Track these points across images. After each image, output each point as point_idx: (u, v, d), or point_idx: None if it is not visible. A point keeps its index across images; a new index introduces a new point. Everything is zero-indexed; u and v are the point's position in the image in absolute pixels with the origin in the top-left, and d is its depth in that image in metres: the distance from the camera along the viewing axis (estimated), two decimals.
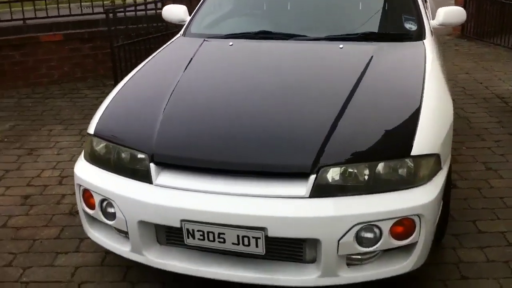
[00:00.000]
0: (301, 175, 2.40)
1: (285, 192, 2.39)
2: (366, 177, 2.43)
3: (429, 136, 2.57)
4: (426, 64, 3.13)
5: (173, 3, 4.26)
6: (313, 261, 2.47)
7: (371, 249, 2.44)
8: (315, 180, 2.38)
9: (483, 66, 6.64)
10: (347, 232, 2.36)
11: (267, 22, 3.77)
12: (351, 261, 2.50)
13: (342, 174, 2.42)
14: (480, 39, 7.99)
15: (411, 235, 2.47)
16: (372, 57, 3.16)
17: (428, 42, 3.46)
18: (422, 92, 2.81)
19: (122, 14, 5.78)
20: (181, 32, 3.88)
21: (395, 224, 2.44)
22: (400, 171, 2.46)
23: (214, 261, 2.54)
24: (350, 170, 2.43)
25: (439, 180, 2.57)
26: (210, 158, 2.49)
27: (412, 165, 2.47)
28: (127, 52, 5.65)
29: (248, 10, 4.02)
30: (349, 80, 2.90)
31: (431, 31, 3.62)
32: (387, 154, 2.46)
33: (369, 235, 2.43)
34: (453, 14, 3.67)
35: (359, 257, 2.51)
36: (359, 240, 2.41)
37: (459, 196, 3.65)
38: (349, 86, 2.84)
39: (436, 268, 2.92)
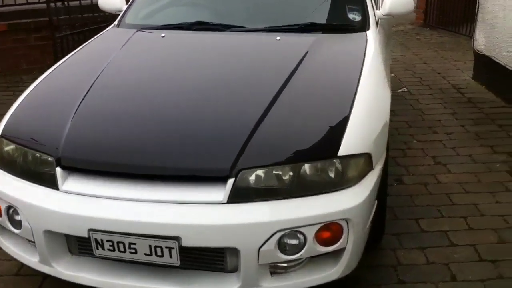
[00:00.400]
0: (219, 179, 2.22)
1: (202, 198, 2.22)
2: (290, 180, 2.27)
3: (360, 134, 2.41)
4: (366, 58, 2.97)
5: None
6: (235, 270, 2.31)
7: (295, 256, 2.29)
8: (233, 184, 2.21)
9: (442, 56, 6.53)
10: (267, 240, 2.20)
11: (205, 12, 3.58)
12: (274, 270, 2.35)
13: (264, 177, 2.25)
14: (443, 28, 7.89)
15: (338, 240, 2.33)
16: (308, 50, 2.99)
17: (372, 34, 3.30)
18: (357, 88, 2.65)
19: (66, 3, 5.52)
20: (115, 22, 3.67)
21: (320, 230, 2.29)
22: (326, 172, 2.30)
23: (129, 273, 2.36)
24: (272, 172, 2.26)
25: (370, 181, 2.43)
26: (121, 162, 2.30)
27: (340, 166, 2.31)
28: (71, 42, 5.40)
29: (187, 0, 3.82)
30: (280, 75, 2.73)
31: (376, 22, 3.47)
32: (312, 155, 2.29)
33: (293, 242, 2.28)
34: (399, 3, 3.52)
35: (284, 265, 2.36)
36: (282, 247, 2.25)
37: (404, 192, 3.53)
38: (279, 81, 2.67)
39: (372, 272, 2.79)
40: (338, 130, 2.37)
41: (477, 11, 5.42)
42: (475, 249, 2.94)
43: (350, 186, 2.34)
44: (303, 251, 2.28)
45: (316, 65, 2.87)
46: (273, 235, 2.20)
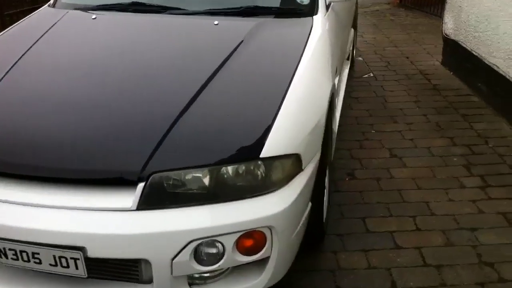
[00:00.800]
0: (128, 183, 2.02)
1: (109, 204, 2.02)
2: (208, 184, 2.08)
3: (287, 134, 2.22)
4: (307, 47, 2.77)
5: None
6: (150, 281, 2.13)
7: (213, 267, 2.11)
8: (143, 189, 2.01)
9: (414, 39, 6.33)
10: (181, 250, 2.02)
11: None
12: (193, 281, 2.17)
13: (178, 181, 2.06)
14: (418, 9, 7.67)
15: (262, 249, 2.16)
16: (244, 37, 2.79)
17: (319, 19, 3.09)
18: (290, 82, 2.44)
19: None
20: (50, 1, 3.42)
21: (241, 238, 2.11)
22: (248, 176, 2.11)
23: (38, 282, 2.18)
24: (188, 176, 2.07)
25: (299, 183, 2.25)
26: (21, 162, 2.09)
27: (263, 168, 2.13)
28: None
29: None
30: (210, 65, 2.52)
31: (326, 6, 3.25)
32: (233, 157, 2.09)
33: (211, 251, 2.11)
34: None
35: (205, 275, 2.19)
36: (198, 257, 2.08)
37: (354, 188, 3.36)
38: (207, 72, 2.47)
39: (308, 277, 2.63)
40: (262, 129, 2.17)
41: None
42: (420, 252, 2.79)
43: (275, 190, 2.16)
44: (222, 261, 2.11)
45: (250, 55, 2.66)
46: (187, 245, 2.02)
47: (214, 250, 2.10)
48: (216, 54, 2.64)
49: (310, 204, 2.45)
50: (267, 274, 2.21)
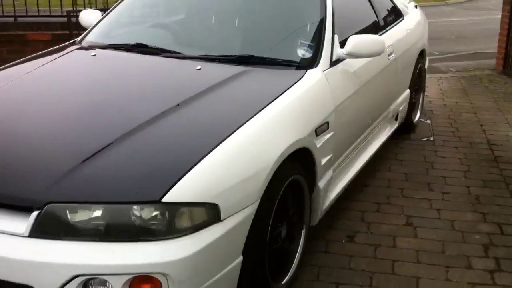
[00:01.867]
0: (25, 210, 2.06)
1: (5, 227, 2.07)
2: (102, 222, 2.05)
3: (204, 182, 2.15)
4: (278, 99, 2.67)
5: None
6: None
7: None
8: (37, 217, 2.04)
9: (500, 108, 5.81)
10: (66, 283, 2.00)
11: (156, 35, 3.45)
12: None
13: (72, 214, 2.06)
14: None
15: None
16: (217, 82, 2.77)
17: (314, 73, 2.97)
18: (237, 129, 2.37)
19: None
20: (78, 38, 3.65)
21: (134, 282, 2.04)
22: (146, 218, 2.05)
23: None
24: (83, 211, 2.06)
25: (211, 234, 2.13)
26: None
27: (165, 213, 2.05)
28: None
29: (147, 21, 3.71)
30: (159, 108, 2.54)
31: (332, 62, 3.10)
32: (133, 197, 2.05)
33: None
34: (364, 43, 3.12)
35: None
36: None
37: (346, 252, 3.12)
38: (151, 115, 2.48)
39: None
40: (175, 174, 2.11)
41: None
42: None
43: (178, 237, 2.06)
44: None
45: (209, 101, 2.65)
46: (72, 279, 2.00)
47: None
48: (175, 97, 2.65)
49: (241, 258, 2.30)
50: None
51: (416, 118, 5.12)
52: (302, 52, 3.08)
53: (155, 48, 3.23)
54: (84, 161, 2.16)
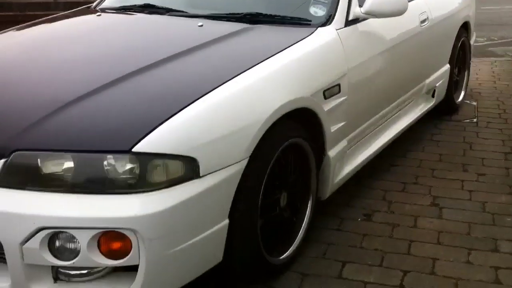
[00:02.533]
0: None
1: None
2: (71, 172, 1.92)
3: (181, 133, 1.99)
4: (283, 52, 2.49)
5: None
6: None
7: (68, 263, 1.94)
8: (4, 165, 1.94)
9: None
10: (31, 236, 1.89)
11: None
12: (58, 275, 2.00)
13: (40, 163, 1.93)
14: None
15: (128, 254, 1.91)
16: (219, 37, 2.62)
17: (327, 30, 2.75)
18: (226, 82, 2.21)
19: None
20: (94, 4, 3.57)
21: (103, 238, 1.91)
22: (116, 169, 1.92)
23: None
24: (51, 159, 1.94)
25: (188, 191, 1.97)
26: None
27: (136, 164, 1.91)
28: None
29: None
30: (150, 60, 2.40)
31: (346, 20, 2.87)
32: (103, 146, 1.92)
33: (68, 245, 1.94)
34: (386, 1, 2.87)
35: (71, 272, 1.99)
36: (54, 250, 1.92)
37: (360, 230, 2.90)
38: (140, 65, 2.34)
39: None
40: (150, 123, 1.96)
41: None
42: None
43: (149, 191, 1.91)
44: (77, 258, 1.92)
45: (206, 54, 2.49)
46: (38, 232, 1.89)
47: (70, 245, 1.93)
48: (168, 51, 2.49)
49: (226, 221, 2.13)
50: (137, 284, 1.96)
51: (460, 99, 4.77)
52: (315, 10, 2.87)
53: (162, 8, 3.11)
54: (57, 110, 2.05)
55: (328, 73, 2.63)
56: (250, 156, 2.15)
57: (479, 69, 6.21)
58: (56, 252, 1.93)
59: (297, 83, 2.43)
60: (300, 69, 2.50)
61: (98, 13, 3.17)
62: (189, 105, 2.04)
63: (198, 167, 1.98)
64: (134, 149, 1.89)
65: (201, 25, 2.78)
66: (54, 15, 3.42)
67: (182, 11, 3.06)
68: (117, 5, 3.35)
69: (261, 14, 2.89)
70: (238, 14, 2.91)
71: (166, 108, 2.03)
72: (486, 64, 6.51)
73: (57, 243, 1.92)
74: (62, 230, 1.89)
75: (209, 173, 2.01)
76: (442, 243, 2.77)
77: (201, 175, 1.99)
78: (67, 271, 1.98)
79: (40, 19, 3.35)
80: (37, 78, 2.38)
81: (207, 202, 2.03)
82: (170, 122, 1.97)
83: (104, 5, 3.44)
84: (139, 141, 1.90)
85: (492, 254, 2.67)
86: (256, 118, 2.17)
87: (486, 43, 8.67)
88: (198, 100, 2.08)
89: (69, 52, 2.62)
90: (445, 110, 4.56)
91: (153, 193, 1.91)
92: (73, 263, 1.92)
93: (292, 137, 2.41)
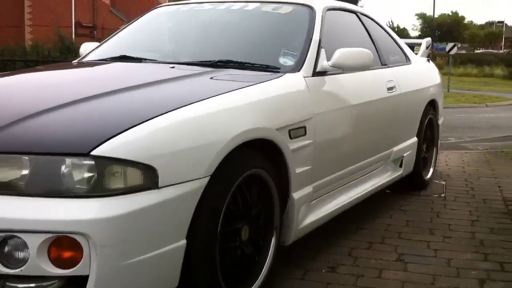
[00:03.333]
0: None
1: None
2: (26, 173, 1.91)
3: (143, 141, 2.02)
4: (250, 87, 2.63)
5: None
6: None
7: (15, 271, 1.87)
8: None
9: None
10: None
11: (137, 49, 3.50)
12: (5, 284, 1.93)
13: None
14: None
15: (78, 263, 1.86)
16: (190, 74, 2.78)
17: (295, 76, 2.88)
18: (192, 103, 2.28)
19: None
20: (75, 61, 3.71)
21: (54, 245, 1.87)
22: (73, 172, 1.91)
23: None
24: (7, 162, 1.96)
25: (145, 200, 1.97)
26: None
27: (93, 168, 1.91)
28: None
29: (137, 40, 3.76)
30: (123, 85, 2.53)
31: (314, 71, 3.00)
32: (60, 149, 1.94)
33: (16, 251, 1.88)
34: (351, 55, 3.03)
35: (19, 286, 1.92)
36: (2, 255, 1.89)
37: (323, 279, 2.81)
38: (112, 88, 2.47)
39: None
40: (113, 129, 1.99)
41: None
42: None
43: (106, 196, 1.90)
44: (25, 265, 1.86)
45: (176, 84, 2.66)
46: None
47: (18, 251, 1.89)
48: (140, 80, 2.60)
49: (184, 241, 2.09)
50: None
51: (428, 176, 4.86)
52: (284, 60, 3.03)
53: (137, 58, 3.24)
54: (20, 119, 2.08)
55: (294, 113, 2.72)
56: (211, 176, 2.16)
57: (449, 158, 6.36)
58: (3, 259, 1.87)
59: (262, 114, 2.50)
60: (266, 103, 2.58)
61: (75, 62, 3.30)
62: (153, 118, 2.09)
63: (157, 177, 1.99)
64: (93, 153, 1.90)
65: (173, 67, 2.90)
66: (39, 66, 3.57)
67: (156, 60, 3.19)
68: (95, 58, 3.47)
69: (231, 61, 3.02)
70: (209, 61, 3.03)
71: (129, 119, 2.07)
72: (456, 155, 6.67)
73: (6, 249, 1.88)
74: (11, 234, 1.85)
75: (168, 185, 2.02)
76: None
77: (160, 186, 2.00)
78: (14, 284, 1.91)
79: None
80: (8, 98, 2.46)
81: (164, 215, 2.01)
82: (132, 131, 2.00)
83: (83, 60, 3.57)
84: (99, 145, 1.91)
85: None
86: (219, 138, 2.21)
87: (458, 140, 8.96)
88: (163, 115, 2.13)
89: (44, 85, 2.74)
90: (414, 185, 4.63)
91: (109, 198, 1.90)
92: (21, 270, 1.86)
93: (256, 167, 2.43)
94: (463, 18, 79.73)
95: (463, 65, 39.74)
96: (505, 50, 52.18)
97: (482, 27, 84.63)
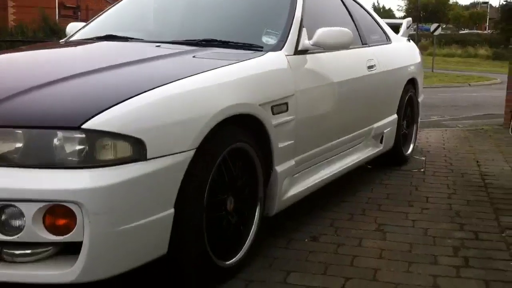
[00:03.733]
0: None
1: None
2: (21, 147, 2.01)
3: (132, 115, 2.11)
4: (233, 64, 2.71)
5: None
6: None
7: (12, 238, 1.98)
8: None
9: (501, 151, 5.64)
10: None
11: (123, 28, 3.58)
12: (4, 255, 2.03)
13: None
14: None
15: (71, 230, 1.96)
16: (175, 52, 2.88)
17: (276, 54, 2.97)
18: (178, 80, 2.37)
19: None
20: (63, 40, 3.77)
21: (49, 213, 1.98)
22: (65, 145, 2.01)
23: None
24: (1, 135, 2.03)
25: (134, 171, 2.07)
26: None
27: (84, 140, 2.01)
28: None
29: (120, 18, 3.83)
30: (111, 62, 2.63)
31: (296, 49, 3.10)
32: (52, 122, 2.03)
33: (13, 220, 1.98)
34: (332, 34, 3.13)
35: (16, 251, 2.02)
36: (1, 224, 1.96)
37: (306, 248, 2.95)
38: (101, 65, 2.55)
39: None
40: (102, 104, 2.08)
41: None
42: None
43: (95, 167, 2.00)
44: (22, 233, 1.97)
45: (162, 62, 2.73)
46: None
47: (15, 220, 1.98)
48: (128, 58, 2.69)
49: (172, 210, 2.20)
50: (79, 265, 2.00)
51: (409, 151, 5.01)
52: (267, 39, 3.12)
53: (122, 37, 3.32)
54: (12, 95, 2.16)
55: (276, 90, 2.82)
56: (197, 149, 2.27)
57: (430, 136, 6.52)
58: (1, 227, 1.97)
59: (245, 91, 2.60)
60: (249, 80, 2.68)
61: (62, 41, 3.37)
62: (141, 93, 2.18)
63: (145, 149, 2.09)
64: (83, 126, 1.99)
65: (159, 46, 2.99)
66: (25, 46, 3.63)
67: (141, 39, 3.28)
68: (82, 37, 3.54)
69: (216, 40, 3.12)
70: (194, 40, 3.13)
71: (118, 94, 2.16)
72: (437, 132, 6.84)
73: (3, 217, 1.98)
74: (8, 202, 1.95)
75: (156, 157, 2.12)
76: (384, 257, 2.87)
77: (148, 157, 2.10)
78: (11, 251, 2.02)
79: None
80: (7, 74, 2.57)
81: (152, 185, 2.12)
82: (120, 105, 2.09)
83: (70, 39, 3.64)
84: (89, 119, 2.01)
85: (431, 266, 2.77)
86: (204, 113, 2.31)
87: (439, 118, 9.14)
88: (151, 91, 2.22)
89: (34, 62, 2.82)
90: (394, 161, 4.78)
91: (100, 169, 2.00)
92: (18, 237, 1.96)
93: (240, 141, 2.54)
94: None
95: (448, 46, 40.08)
96: (489, 31, 52.54)
97: (466, 8, 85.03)
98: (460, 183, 4.32)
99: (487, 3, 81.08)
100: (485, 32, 55.92)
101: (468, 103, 12.18)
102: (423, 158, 5.19)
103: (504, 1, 35.20)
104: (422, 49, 34.48)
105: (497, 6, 58.13)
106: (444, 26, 54.51)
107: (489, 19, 69.36)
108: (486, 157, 5.29)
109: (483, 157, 5.29)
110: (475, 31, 60.24)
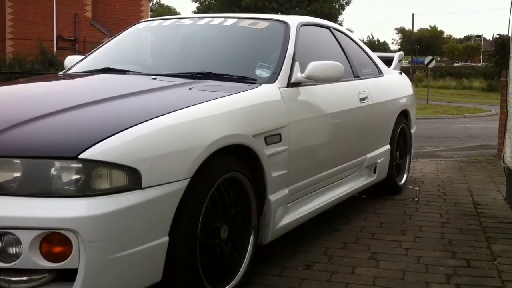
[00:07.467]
0: None
1: None
2: (20, 176, 2.06)
3: (128, 145, 2.18)
4: (227, 96, 2.79)
5: None
6: None
7: (10, 265, 2.03)
8: None
9: (494, 181, 5.71)
10: None
11: (120, 61, 3.67)
12: (1, 282, 2.07)
13: None
14: None
15: (68, 257, 2.01)
16: (171, 85, 2.95)
17: (270, 87, 3.05)
18: (173, 111, 2.44)
19: None
20: (61, 72, 3.86)
21: (45, 240, 2.02)
22: (62, 174, 2.07)
23: None
24: (0, 165, 2.09)
25: (130, 199, 2.13)
26: None
27: (81, 170, 2.07)
28: None
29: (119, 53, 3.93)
30: (108, 95, 2.69)
31: (288, 82, 3.19)
32: (50, 153, 2.09)
33: (10, 246, 2.03)
34: (323, 67, 3.22)
35: (12, 279, 2.06)
36: None
37: (299, 276, 2.97)
38: (97, 97, 2.62)
39: None
40: (99, 134, 2.15)
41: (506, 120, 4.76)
42: None
43: (92, 196, 2.05)
44: (19, 260, 2.01)
45: (157, 94, 2.80)
46: None
47: (12, 246, 2.04)
48: (124, 91, 2.77)
49: (167, 238, 2.25)
50: None
51: (402, 181, 5.07)
52: (260, 72, 3.20)
53: (120, 70, 3.41)
54: (12, 126, 2.22)
55: (269, 121, 2.90)
56: (191, 178, 2.32)
57: (424, 166, 6.58)
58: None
59: (239, 122, 2.68)
60: (243, 112, 2.76)
61: (60, 74, 3.45)
62: (137, 124, 2.26)
63: (141, 179, 2.15)
64: (80, 156, 2.06)
65: (155, 78, 3.07)
66: (24, 79, 3.71)
67: (138, 72, 3.36)
68: (80, 70, 3.63)
69: (210, 73, 3.21)
70: (190, 73, 3.21)
71: (114, 125, 2.23)
72: (431, 163, 6.91)
73: (0, 245, 2.02)
74: (6, 230, 2.00)
75: (151, 186, 2.18)
76: (377, 285, 2.90)
77: (143, 186, 2.16)
78: (8, 277, 2.05)
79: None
80: (9, 106, 2.65)
81: (147, 213, 2.17)
82: (117, 136, 2.17)
83: (68, 72, 3.73)
84: (86, 149, 2.07)
85: None
86: (198, 144, 2.38)
87: (433, 150, 9.22)
88: (146, 122, 2.30)
89: (33, 94, 2.91)
90: (388, 191, 4.84)
91: (96, 198, 2.06)
92: (15, 264, 2.01)
93: (234, 171, 2.61)
94: (441, 32, 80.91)
95: (442, 78, 40.52)
96: (483, 63, 53.14)
97: (460, 41, 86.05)
98: (453, 212, 4.36)
99: (480, 36, 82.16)
100: (479, 64, 56.55)
101: (462, 134, 12.30)
102: (417, 188, 5.24)
103: (497, 34, 35.69)
104: (417, 81, 34.91)
105: (491, 39, 58.97)
106: (438, 59, 55.16)
107: (483, 52, 70.23)
108: (479, 187, 5.35)
109: (476, 187, 5.35)
110: (470, 63, 60.94)
